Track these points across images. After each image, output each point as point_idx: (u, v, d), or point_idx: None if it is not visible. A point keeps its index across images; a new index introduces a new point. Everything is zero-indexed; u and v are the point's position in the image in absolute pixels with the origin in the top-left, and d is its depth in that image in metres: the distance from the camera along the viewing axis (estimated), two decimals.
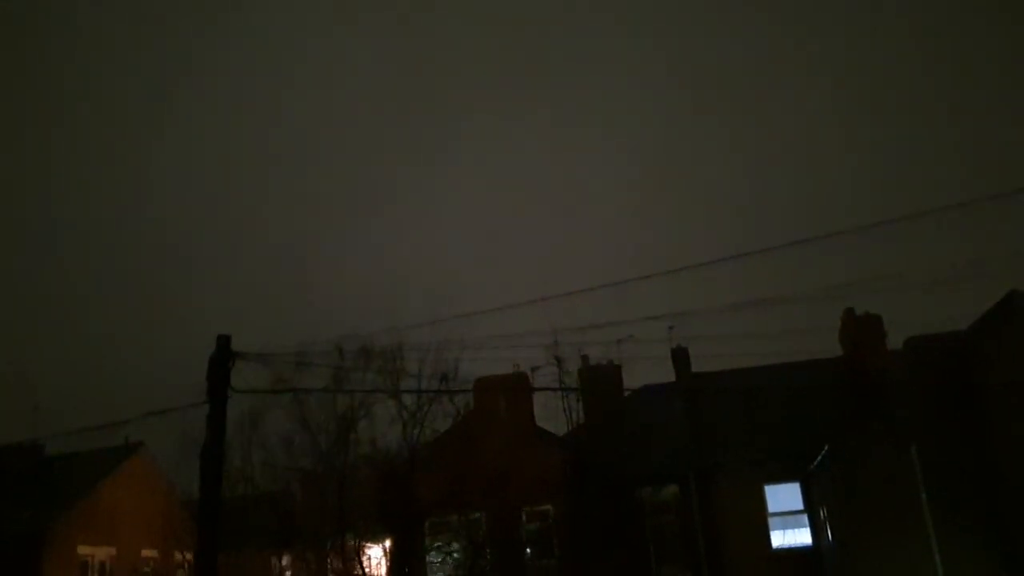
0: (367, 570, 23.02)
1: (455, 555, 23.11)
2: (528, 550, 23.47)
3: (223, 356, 13.50)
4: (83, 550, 25.83)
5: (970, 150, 73.75)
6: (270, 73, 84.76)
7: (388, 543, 23.57)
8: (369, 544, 23.48)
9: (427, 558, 23.31)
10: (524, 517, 23.38)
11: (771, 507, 22.81)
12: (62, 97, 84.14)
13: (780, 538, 22.71)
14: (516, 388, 24.19)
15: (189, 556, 20.89)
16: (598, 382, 26.63)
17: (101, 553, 26.52)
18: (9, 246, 74.51)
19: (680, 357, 26.74)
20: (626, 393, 27.24)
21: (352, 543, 21.92)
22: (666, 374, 27.16)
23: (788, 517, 22.80)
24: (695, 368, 27.04)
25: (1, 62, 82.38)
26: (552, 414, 26.24)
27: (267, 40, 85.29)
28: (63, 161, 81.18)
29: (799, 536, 22.71)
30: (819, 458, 20.27)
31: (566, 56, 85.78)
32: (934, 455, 15.44)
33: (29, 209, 77.62)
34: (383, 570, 23.53)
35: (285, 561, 23.00)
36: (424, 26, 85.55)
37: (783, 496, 22.91)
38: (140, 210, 79.33)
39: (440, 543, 23.40)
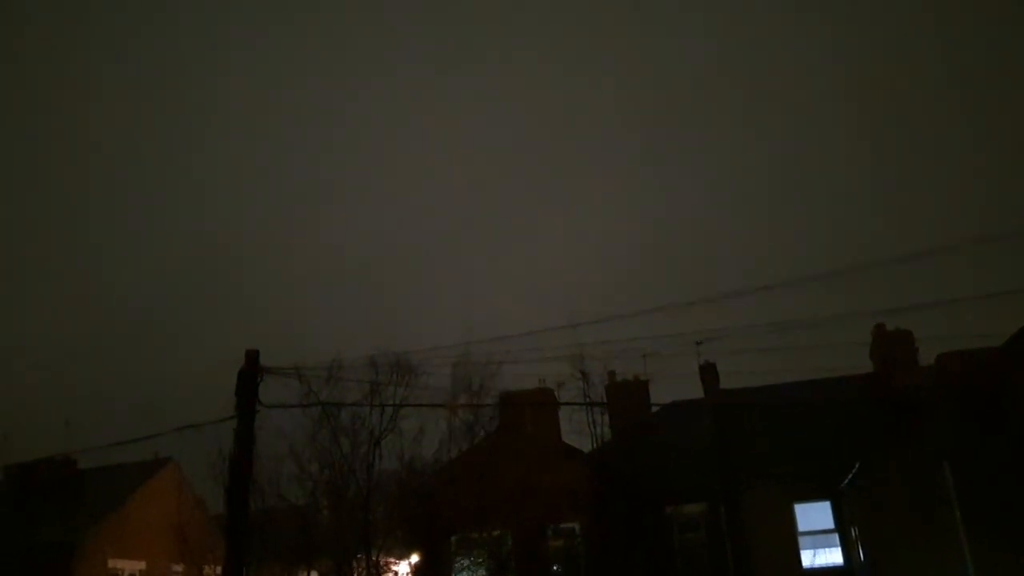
0: None
1: (481, 572, 23.01)
2: (554, 567, 23.30)
3: (252, 371, 13.71)
4: (113, 563, 26.04)
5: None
6: (328, 97, 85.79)
7: (414, 559, 23.57)
8: (395, 560, 23.48)
9: (453, 575, 23.24)
10: (550, 534, 23.22)
11: (801, 526, 22.47)
12: (103, 106, 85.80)
13: (811, 557, 22.36)
14: (542, 403, 24.12)
15: (210, 570, 21.01)
16: (625, 398, 26.52)
17: (131, 566, 26.73)
18: (41, 262, 76.03)
19: (708, 373, 26.54)
20: (653, 409, 27.09)
21: (378, 559, 21.93)
22: (694, 390, 26.99)
23: (819, 536, 22.47)
24: (723, 384, 26.83)
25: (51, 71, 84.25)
26: (578, 430, 26.16)
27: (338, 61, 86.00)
28: (108, 177, 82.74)
29: (830, 555, 22.34)
30: (850, 476, 19.98)
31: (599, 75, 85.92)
32: (967, 472, 15.14)
33: (57, 221, 79.09)
34: None
35: None
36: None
37: (813, 514, 22.56)
38: (171, 224, 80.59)
39: (466, 560, 23.32)
